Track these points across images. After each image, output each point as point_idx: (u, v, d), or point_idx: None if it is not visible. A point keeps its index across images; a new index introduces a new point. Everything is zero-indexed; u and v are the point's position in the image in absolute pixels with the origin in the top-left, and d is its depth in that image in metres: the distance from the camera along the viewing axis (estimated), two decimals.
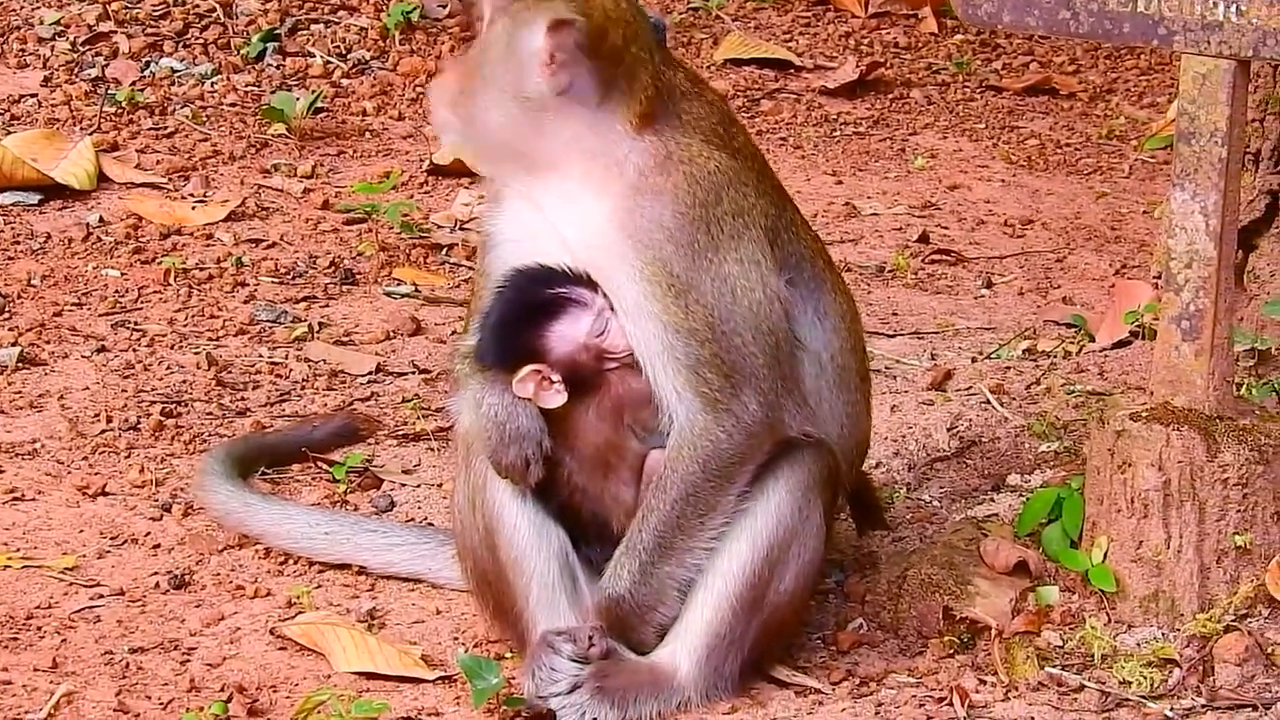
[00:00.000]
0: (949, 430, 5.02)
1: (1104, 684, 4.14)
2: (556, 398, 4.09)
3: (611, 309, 4.07)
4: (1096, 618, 4.22)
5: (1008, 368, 5.43)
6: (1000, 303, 5.93)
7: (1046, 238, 6.37)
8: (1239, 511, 4.15)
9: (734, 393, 4.02)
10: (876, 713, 4.09)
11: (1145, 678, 4.14)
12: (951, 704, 4.12)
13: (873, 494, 4.57)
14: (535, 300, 4.09)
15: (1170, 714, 4.07)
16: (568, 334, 4.08)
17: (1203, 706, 4.10)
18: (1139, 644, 4.18)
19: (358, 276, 5.59)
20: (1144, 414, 4.18)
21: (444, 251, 5.82)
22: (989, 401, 5.24)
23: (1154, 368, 4.26)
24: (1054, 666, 4.19)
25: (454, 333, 5.35)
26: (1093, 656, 4.19)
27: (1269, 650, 4.12)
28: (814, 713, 4.12)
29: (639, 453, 4.16)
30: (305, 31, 6.55)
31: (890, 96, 7.49)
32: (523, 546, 4.15)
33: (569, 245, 4.07)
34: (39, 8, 6.57)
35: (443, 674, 4.22)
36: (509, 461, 4.07)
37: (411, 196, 6.05)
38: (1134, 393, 4.58)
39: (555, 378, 4.09)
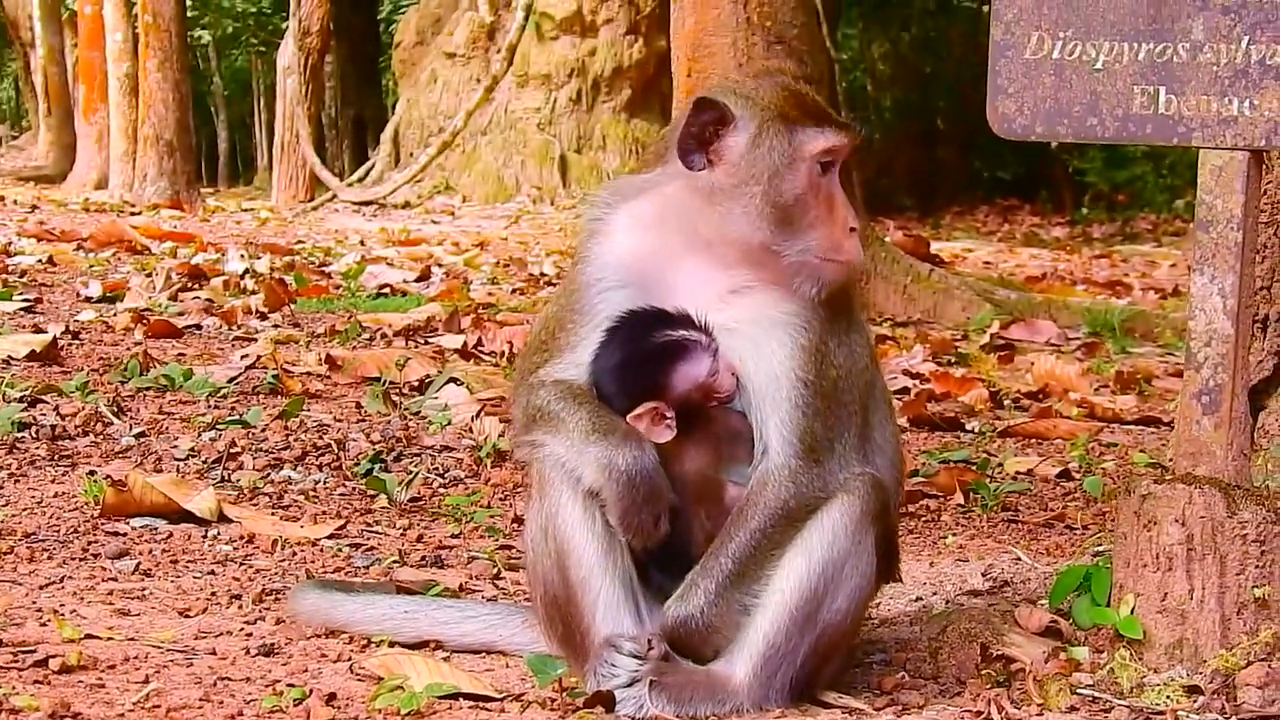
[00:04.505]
0: (983, 575, 5.25)
1: (1133, 706, 4.26)
2: (667, 433, 4.33)
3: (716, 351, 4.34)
4: (1125, 661, 4.36)
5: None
6: None
7: None
8: (1257, 567, 4.30)
9: (828, 444, 4.33)
10: None
11: (1172, 699, 4.26)
12: (989, 718, 4.26)
13: (895, 538, 4.64)
14: (658, 342, 4.33)
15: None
16: (689, 373, 4.32)
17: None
18: (1165, 681, 4.29)
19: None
20: (1167, 479, 4.38)
21: None
22: (1020, 558, 5.51)
23: (1176, 442, 4.49)
24: (1086, 690, 4.33)
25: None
26: (1122, 689, 4.32)
27: None
28: None
29: (721, 483, 4.41)
30: (409, 459, 7.21)
31: None
32: (591, 566, 4.36)
33: (709, 300, 4.38)
34: (179, 438, 7.30)
35: (513, 696, 4.36)
36: (641, 521, 4.29)
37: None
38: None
39: (669, 414, 4.33)
